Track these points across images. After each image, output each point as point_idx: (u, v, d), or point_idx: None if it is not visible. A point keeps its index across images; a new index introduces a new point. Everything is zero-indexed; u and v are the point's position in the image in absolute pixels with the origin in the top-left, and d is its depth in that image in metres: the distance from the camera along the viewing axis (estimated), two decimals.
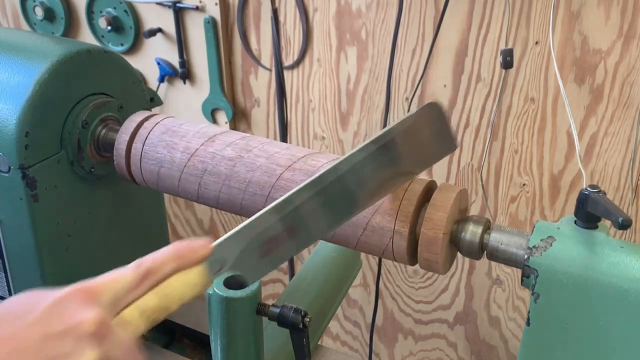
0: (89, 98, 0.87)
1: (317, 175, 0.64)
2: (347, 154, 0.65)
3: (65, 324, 0.49)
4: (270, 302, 0.75)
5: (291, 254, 0.67)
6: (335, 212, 0.67)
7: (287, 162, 0.78)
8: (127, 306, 0.53)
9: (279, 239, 0.63)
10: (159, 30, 1.63)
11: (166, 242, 1.12)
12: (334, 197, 0.66)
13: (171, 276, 0.56)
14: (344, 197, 0.67)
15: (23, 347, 0.47)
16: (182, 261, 0.57)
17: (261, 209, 0.68)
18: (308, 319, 0.74)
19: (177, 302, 0.56)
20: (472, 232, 0.69)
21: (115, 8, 1.64)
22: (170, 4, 1.55)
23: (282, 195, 0.65)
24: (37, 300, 0.50)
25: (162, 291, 0.55)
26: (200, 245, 0.58)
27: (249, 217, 0.78)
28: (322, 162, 0.76)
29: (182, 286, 0.56)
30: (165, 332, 1.07)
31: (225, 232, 1.74)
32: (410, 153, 0.69)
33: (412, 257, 0.72)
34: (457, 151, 1.44)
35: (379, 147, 0.65)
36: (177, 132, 0.83)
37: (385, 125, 1.46)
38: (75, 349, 0.48)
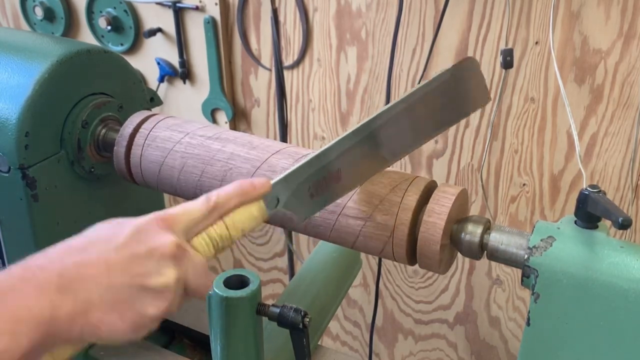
0: (89, 98, 0.87)
1: (360, 124, 0.70)
2: (387, 106, 0.70)
3: (148, 246, 0.56)
4: (270, 302, 0.75)
5: (337, 196, 0.72)
6: (376, 158, 0.73)
7: (289, 159, 0.77)
8: (197, 234, 0.61)
9: (327, 182, 0.69)
10: (159, 30, 1.62)
11: None
12: (375, 145, 0.71)
13: (235, 209, 0.63)
14: (385, 145, 0.72)
15: (114, 266, 0.54)
16: (245, 197, 0.63)
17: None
18: (308, 319, 0.74)
19: (240, 232, 0.63)
20: (472, 232, 0.69)
21: (115, 8, 1.64)
22: (170, 4, 1.55)
23: None
24: (121, 227, 0.58)
25: (228, 223, 0.62)
26: (261, 183, 0.64)
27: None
28: None
29: (244, 218, 0.63)
30: (165, 332, 1.07)
31: None
32: (449, 103, 0.74)
33: (412, 257, 0.72)
34: (457, 151, 1.44)
35: (420, 97, 0.71)
36: (177, 132, 0.83)
37: None
38: (158, 267, 0.56)
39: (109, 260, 0.55)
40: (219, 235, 0.61)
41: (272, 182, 0.65)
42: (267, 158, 0.78)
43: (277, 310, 0.74)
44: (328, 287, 1.01)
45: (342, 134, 0.69)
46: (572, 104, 1.27)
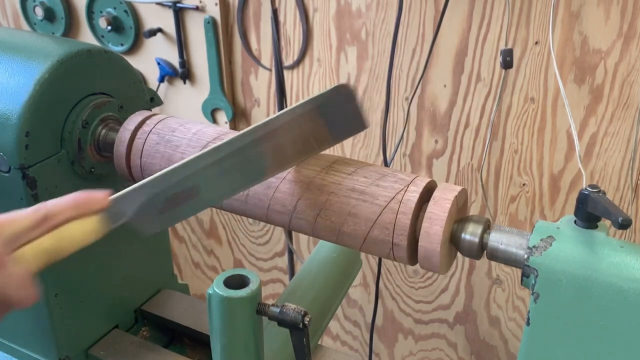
0: (89, 98, 0.87)
1: (218, 143, 0.68)
2: (249, 127, 0.68)
3: None
4: (270, 302, 0.75)
5: (191, 213, 0.70)
6: (234, 180, 0.71)
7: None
8: (25, 244, 0.58)
9: (179, 199, 0.67)
10: (159, 30, 1.63)
11: (166, 242, 1.12)
12: (235, 167, 0.69)
13: (68, 222, 0.60)
14: (246, 167, 0.70)
15: None
16: (80, 210, 0.61)
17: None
18: (308, 319, 0.74)
19: (71, 246, 0.60)
20: (472, 232, 0.69)
21: (115, 8, 1.64)
22: (170, 4, 1.55)
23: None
24: None
25: (58, 235, 0.59)
26: (98, 197, 0.62)
27: (250, 216, 0.78)
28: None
29: (77, 233, 0.60)
30: (165, 332, 1.07)
31: (226, 233, 1.74)
32: (317, 131, 0.72)
33: (412, 257, 0.72)
34: (457, 151, 1.44)
35: (282, 124, 0.69)
36: (178, 132, 0.83)
37: (385, 125, 1.46)
38: None
39: None
40: (47, 248, 0.58)
41: (113, 197, 0.63)
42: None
43: (277, 310, 0.74)
44: (328, 287, 1.01)
45: (200, 151, 0.67)
46: (572, 104, 1.27)
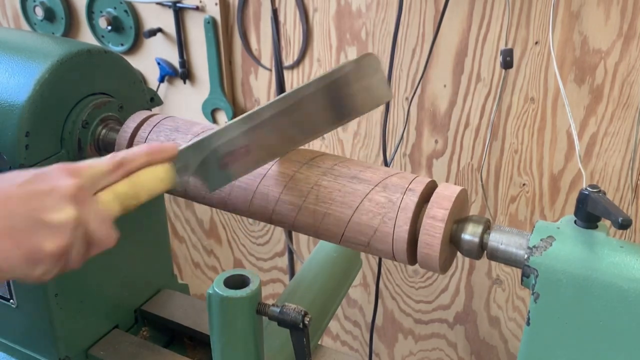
0: (89, 98, 0.87)
1: (271, 101, 0.71)
2: (296, 87, 0.71)
3: (50, 185, 0.58)
4: (270, 302, 0.75)
5: (248, 169, 0.73)
6: (287, 137, 0.74)
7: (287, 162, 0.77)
8: (103, 189, 0.62)
9: (237, 155, 0.71)
10: (159, 30, 1.63)
11: (166, 242, 1.12)
12: (286, 124, 0.72)
13: (142, 169, 0.64)
14: (297, 123, 0.73)
15: (13, 198, 0.56)
16: (152, 157, 0.65)
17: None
18: (308, 319, 0.74)
19: (145, 192, 0.64)
20: (472, 232, 0.69)
21: (115, 8, 1.64)
22: (170, 4, 1.55)
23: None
24: (25, 172, 0.60)
25: (133, 180, 0.64)
26: (169, 146, 0.67)
27: (233, 211, 0.78)
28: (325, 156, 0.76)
29: (150, 178, 0.65)
30: (165, 332, 1.07)
31: (226, 233, 1.74)
32: (351, 95, 0.74)
33: (412, 257, 0.72)
34: (457, 151, 1.44)
35: (327, 83, 0.71)
36: (178, 132, 0.83)
37: (385, 125, 1.46)
38: (57, 204, 0.57)
39: (9, 193, 0.57)
40: (125, 192, 0.63)
41: (180, 148, 0.67)
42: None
43: (277, 310, 0.74)
44: (328, 287, 1.01)
45: (251, 110, 0.71)
46: (572, 104, 1.27)
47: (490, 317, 1.61)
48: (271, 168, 0.76)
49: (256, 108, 0.71)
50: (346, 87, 0.73)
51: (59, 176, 0.59)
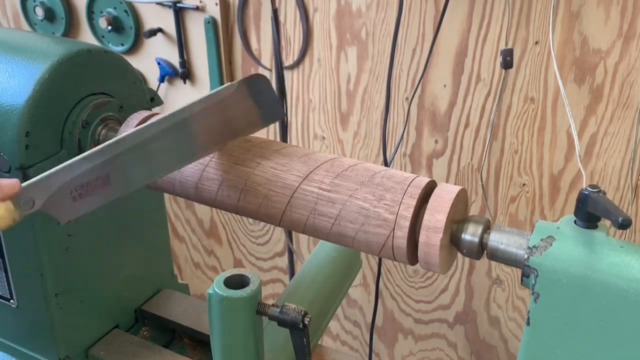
0: (89, 98, 0.87)
1: (130, 131, 0.70)
2: (160, 116, 0.71)
3: None
4: (270, 302, 0.75)
5: (106, 200, 0.71)
6: (150, 167, 0.73)
7: (282, 168, 0.77)
8: None
9: (93, 186, 0.69)
10: (159, 30, 1.63)
11: (166, 242, 1.12)
12: (146, 155, 0.71)
13: None
14: (156, 156, 0.72)
15: None
16: None
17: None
18: (308, 319, 0.74)
19: None
20: (472, 232, 0.69)
21: (115, 8, 1.64)
22: (170, 4, 1.55)
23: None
24: None
25: None
26: (7, 184, 0.64)
27: (247, 216, 0.78)
28: (326, 157, 0.76)
29: None
30: (165, 332, 1.07)
31: (226, 233, 1.74)
32: (231, 118, 0.75)
33: (412, 257, 0.72)
34: (457, 151, 1.44)
35: (198, 111, 0.72)
36: None
37: (385, 125, 1.46)
38: None
39: None
40: None
41: (24, 184, 0.65)
42: (272, 151, 0.78)
43: (277, 310, 0.74)
44: (328, 287, 1.01)
45: (112, 139, 0.69)
46: (572, 104, 1.27)
47: (490, 317, 1.61)
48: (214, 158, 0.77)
49: (116, 137, 0.70)
50: (224, 112, 0.73)
51: None
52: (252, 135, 0.80)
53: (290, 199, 0.74)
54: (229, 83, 0.74)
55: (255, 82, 0.76)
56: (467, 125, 1.40)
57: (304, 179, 0.74)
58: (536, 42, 1.26)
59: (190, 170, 0.78)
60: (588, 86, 1.25)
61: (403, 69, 1.41)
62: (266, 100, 0.77)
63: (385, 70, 1.41)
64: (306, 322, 0.74)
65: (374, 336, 1.79)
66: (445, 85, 1.39)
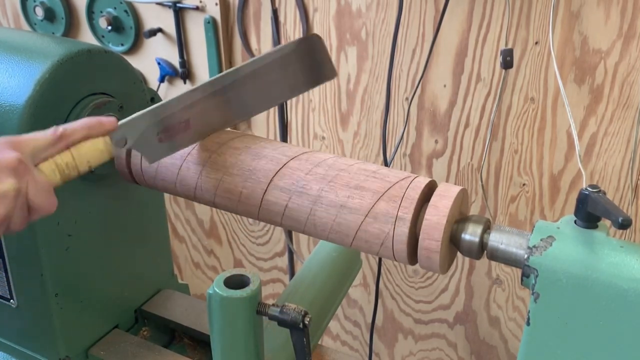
0: (90, 98, 0.87)
1: (212, 78, 0.75)
2: (236, 66, 0.75)
3: None
4: (270, 302, 0.75)
5: (187, 143, 0.78)
6: (228, 113, 0.79)
7: (294, 153, 0.78)
8: (45, 160, 0.66)
9: (176, 129, 0.75)
10: (159, 30, 1.63)
11: (166, 242, 1.12)
12: (225, 101, 0.77)
13: (82, 141, 0.69)
14: (234, 102, 0.78)
15: None
16: (92, 130, 0.69)
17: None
18: (308, 319, 0.74)
19: (85, 163, 0.69)
20: (472, 232, 0.69)
21: (115, 8, 1.64)
22: (170, 4, 1.55)
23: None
24: None
25: (74, 152, 0.68)
26: (107, 120, 0.71)
27: (248, 208, 0.78)
28: (325, 157, 0.77)
29: (90, 150, 0.69)
30: (165, 332, 1.07)
31: (226, 233, 1.74)
32: (295, 73, 0.80)
33: (412, 256, 0.72)
34: (457, 151, 1.44)
35: (267, 63, 0.77)
36: None
37: (385, 125, 1.46)
38: None
39: None
40: (65, 163, 0.67)
41: (120, 122, 0.72)
42: (273, 149, 0.78)
43: (277, 310, 0.74)
44: (328, 287, 1.01)
45: (193, 87, 0.74)
46: (572, 104, 1.27)
47: (490, 317, 1.61)
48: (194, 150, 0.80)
49: (197, 85, 0.75)
50: (288, 67, 0.78)
51: (2, 150, 0.62)
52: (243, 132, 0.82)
53: (287, 202, 0.74)
54: (287, 42, 0.78)
55: (310, 42, 0.79)
56: (467, 125, 1.40)
57: (304, 179, 0.74)
58: (536, 42, 1.26)
59: (170, 166, 0.80)
60: (588, 86, 1.25)
61: (403, 69, 1.41)
62: (322, 59, 0.81)
63: (385, 70, 1.41)
64: (306, 322, 0.74)
65: (374, 336, 1.79)
66: (445, 85, 1.39)
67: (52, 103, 0.82)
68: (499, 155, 1.40)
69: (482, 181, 1.44)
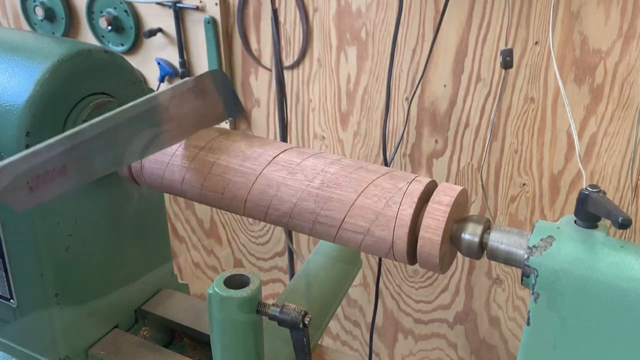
0: (90, 98, 0.87)
1: (82, 126, 0.69)
2: (120, 109, 0.71)
3: None
4: (270, 301, 0.75)
5: (64, 190, 0.70)
6: (107, 158, 0.73)
7: (283, 171, 0.77)
8: None
9: (50, 177, 0.68)
10: (159, 30, 1.63)
11: (166, 242, 1.12)
12: (107, 145, 0.72)
13: None
14: (118, 146, 0.73)
15: None
16: None
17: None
18: (308, 319, 0.74)
19: None
20: (472, 231, 0.69)
21: (115, 8, 1.64)
22: (170, 4, 1.55)
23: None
24: None
25: None
26: None
27: (253, 210, 0.78)
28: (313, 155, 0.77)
29: None
30: (165, 331, 1.07)
31: (226, 233, 1.74)
32: (188, 114, 0.76)
33: (412, 256, 0.72)
34: (457, 151, 1.44)
35: (150, 108, 0.73)
36: None
37: (385, 125, 1.46)
38: None
39: None
40: None
41: None
42: (274, 148, 0.78)
43: (277, 310, 0.74)
44: (328, 287, 1.01)
45: (69, 131, 0.68)
46: (572, 104, 1.27)
47: (490, 317, 1.61)
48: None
49: (77, 128, 0.69)
50: (182, 106, 0.74)
51: None
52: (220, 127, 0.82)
53: (293, 207, 0.74)
54: (187, 78, 0.76)
55: (214, 78, 0.78)
56: (467, 125, 1.40)
57: (303, 180, 0.74)
58: (536, 42, 1.26)
59: (157, 162, 0.80)
60: (588, 86, 1.25)
61: (403, 69, 1.41)
62: (226, 96, 0.80)
63: (385, 70, 1.41)
64: (306, 322, 0.74)
65: (374, 336, 1.79)
66: (445, 85, 1.39)
67: (52, 103, 0.82)
68: (499, 155, 1.40)
69: (482, 181, 1.44)
